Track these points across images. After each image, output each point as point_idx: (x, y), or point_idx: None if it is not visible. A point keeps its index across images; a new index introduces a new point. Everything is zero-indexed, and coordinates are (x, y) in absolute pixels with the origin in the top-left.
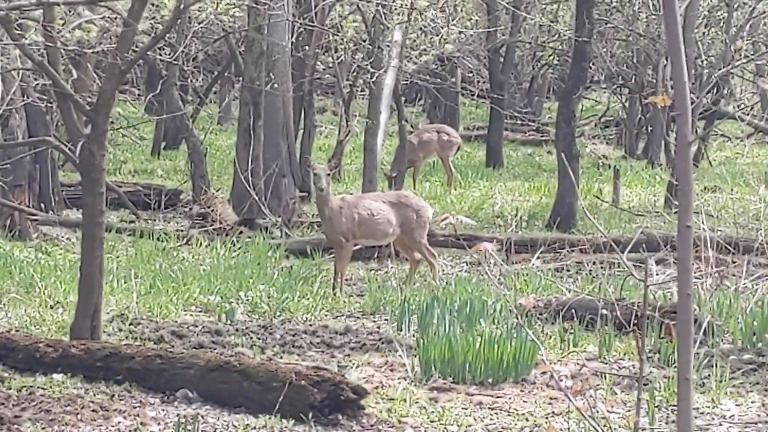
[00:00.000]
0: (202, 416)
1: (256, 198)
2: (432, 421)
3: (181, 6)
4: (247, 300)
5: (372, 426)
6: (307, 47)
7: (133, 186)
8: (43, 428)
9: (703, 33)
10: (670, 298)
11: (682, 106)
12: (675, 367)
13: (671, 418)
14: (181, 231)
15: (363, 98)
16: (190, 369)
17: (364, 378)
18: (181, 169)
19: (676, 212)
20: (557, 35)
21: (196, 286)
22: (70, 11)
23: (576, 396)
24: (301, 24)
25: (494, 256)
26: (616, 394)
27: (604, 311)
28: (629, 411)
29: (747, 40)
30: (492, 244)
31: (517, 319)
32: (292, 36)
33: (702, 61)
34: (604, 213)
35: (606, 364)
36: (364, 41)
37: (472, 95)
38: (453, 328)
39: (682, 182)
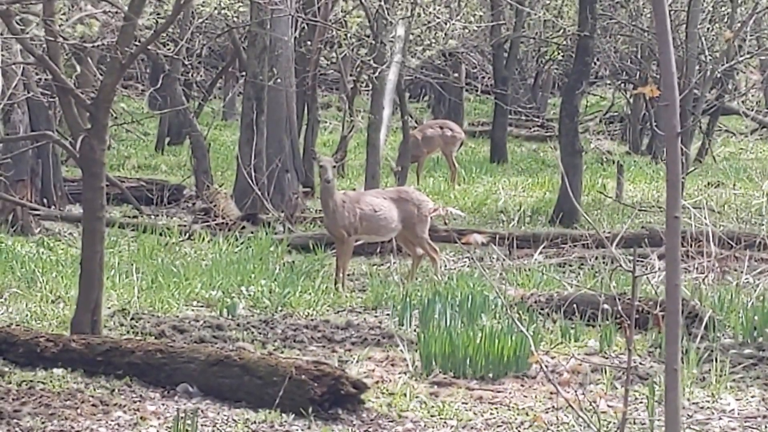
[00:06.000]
0: (202, 411)
1: (259, 193)
2: (432, 416)
3: (182, 1)
4: (249, 295)
5: (372, 420)
6: (310, 42)
7: (137, 181)
8: (43, 422)
9: (707, 28)
10: None
11: (671, 97)
12: None
13: None
14: (184, 226)
15: (367, 94)
16: (191, 363)
17: (364, 373)
18: (185, 164)
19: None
20: (561, 31)
21: (197, 281)
22: (72, 6)
23: (563, 387)
24: (304, 19)
25: (495, 250)
26: (616, 388)
27: (606, 306)
28: (629, 405)
29: (751, 35)
30: (482, 236)
31: (506, 309)
32: (295, 31)
33: (706, 57)
34: (607, 208)
35: (607, 358)
36: (368, 36)
37: (477, 91)
38: (454, 323)
39: (670, 173)
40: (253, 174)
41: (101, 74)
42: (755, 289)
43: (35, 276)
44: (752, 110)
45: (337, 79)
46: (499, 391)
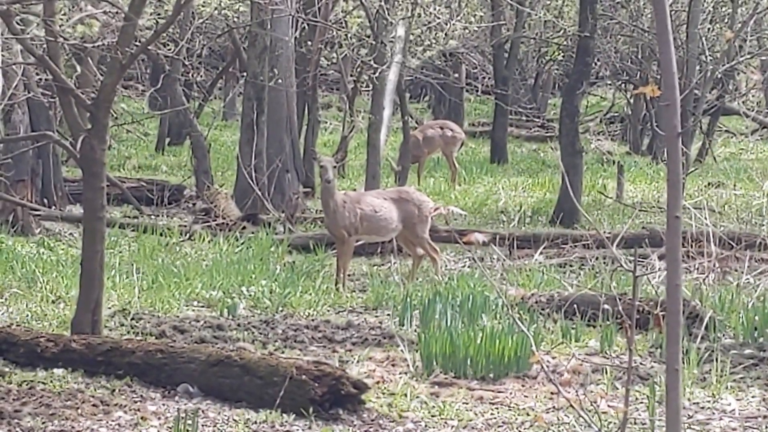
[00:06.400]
0: (203, 411)
1: (259, 193)
2: (433, 416)
3: (182, 1)
4: (249, 295)
5: (372, 420)
6: (310, 42)
7: (137, 181)
8: (44, 422)
9: (708, 29)
10: None
11: (671, 97)
12: None
13: None
14: (184, 226)
15: (367, 94)
16: (191, 363)
17: (365, 373)
18: (185, 164)
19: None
20: (561, 31)
21: (198, 281)
22: (72, 6)
23: (564, 387)
24: (304, 19)
25: (495, 250)
26: (617, 388)
27: (606, 306)
28: (629, 405)
29: (751, 35)
30: (483, 235)
31: (507, 309)
32: (295, 31)
33: (706, 57)
34: (607, 209)
35: (607, 358)
36: (368, 37)
37: (477, 91)
38: (455, 323)
39: (670, 173)
40: (253, 174)
41: (101, 74)
42: (756, 290)
43: (35, 276)
44: (753, 110)
45: (338, 79)
46: (499, 392)
